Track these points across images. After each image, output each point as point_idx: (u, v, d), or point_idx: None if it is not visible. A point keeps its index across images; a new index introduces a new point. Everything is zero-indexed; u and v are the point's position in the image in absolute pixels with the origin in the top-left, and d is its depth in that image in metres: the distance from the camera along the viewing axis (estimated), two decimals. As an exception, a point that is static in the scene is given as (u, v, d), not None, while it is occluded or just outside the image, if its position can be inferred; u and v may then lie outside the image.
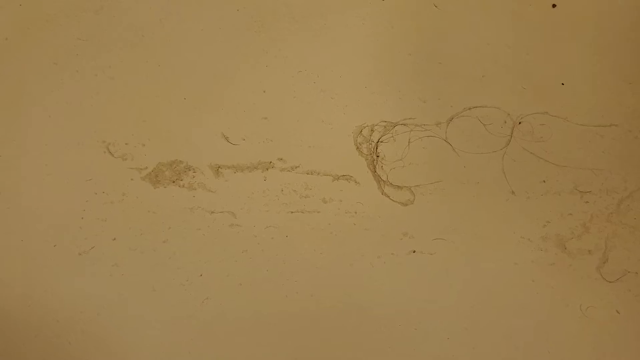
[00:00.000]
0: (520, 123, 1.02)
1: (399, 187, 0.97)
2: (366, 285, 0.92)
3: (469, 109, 1.02)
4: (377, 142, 0.99)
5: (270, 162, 0.96)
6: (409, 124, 1.00)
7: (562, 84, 1.04)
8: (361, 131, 1.00)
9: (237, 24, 1.03)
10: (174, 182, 0.94)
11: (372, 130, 1.00)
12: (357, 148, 0.99)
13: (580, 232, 0.97)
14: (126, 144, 0.96)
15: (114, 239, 0.91)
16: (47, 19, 1.04)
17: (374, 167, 0.98)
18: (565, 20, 1.07)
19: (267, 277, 0.92)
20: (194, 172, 0.95)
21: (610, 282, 0.94)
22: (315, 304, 0.91)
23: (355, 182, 0.97)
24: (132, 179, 0.94)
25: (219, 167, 0.96)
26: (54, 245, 0.90)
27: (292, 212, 0.94)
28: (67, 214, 0.92)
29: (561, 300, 0.94)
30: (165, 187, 0.94)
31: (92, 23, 1.04)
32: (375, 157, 0.99)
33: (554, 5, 1.09)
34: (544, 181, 0.99)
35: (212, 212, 0.93)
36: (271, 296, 0.91)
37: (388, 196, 0.97)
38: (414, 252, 0.94)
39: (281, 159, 0.97)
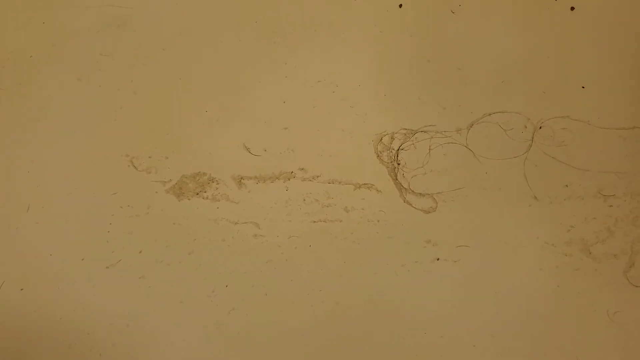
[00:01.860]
0: (541, 128, 1.01)
1: (420, 194, 0.97)
2: (391, 293, 0.92)
3: (489, 114, 1.01)
4: (398, 149, 1.00)
5: (292, 172, 0.97)
6: (430, 131, 1.00)
7: (583, 87, 1.04)
8: (381, 139, 1.00)
9: (256, 35, 1.04)
10: (197, 194, 0.95)
11: (393, 138, 1.00)
12: (378, 156, 0.99)
13: (605, 236, 0.96)
14: (150, 157, 0.97)
15: (140, 251, 0.93)
16: (70, 36, 1.06)
17: (395, 175, 0.98)
18: (584, 23, 1.07)
19: (292, 287, 0.92)
20: (217, 183, 0.96)
21: (637, 286, 0.93)
22: (341, 312, 0.91)
23: (377, 190, 0.97)
24: (156, 192, 0.96)
25: (241, 178, 0.96)
26: (82, 259, 0.92)
27: (314, 222, 0.95)
28: (93, 228, 0.94)
29: (588, 306, 0.93)
30: (189, 199, 0.95)
31: (114, 38, 1.05)
32: (396, 164, 0.99)
33: (572, 8, 1.08)
34: (567, 186, 0.98)
35: (235, 223, 0.94)
36: (297, 306, 0.92)
37: (410, 204, 0.97)
38: (438, 259, 0.94)
39: (302, 169, 0.97)
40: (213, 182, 0.96)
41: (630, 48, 1.06)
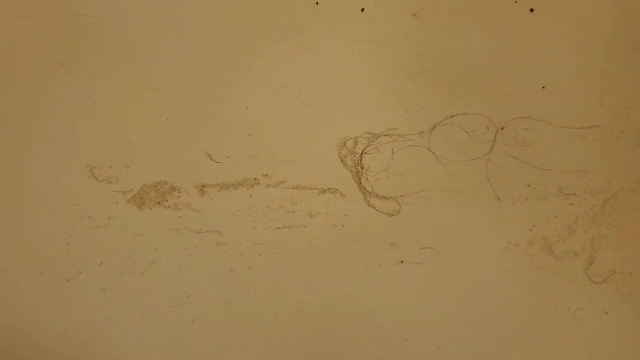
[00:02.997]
0: (502, 128, 1.02)
1: (384, 197, 0.98)
2: (355, 298, 0.92)
3: (451, 116, 1.02)
4: (361, 153, 1.00)
5: (255, 178, 0.97)
6: (392, 135, 1.01)
7: (543, 87, 1.05)
8: (345, 143, 1.00)
9: (218, 42, 1.04)
10: (159, 203, 0.94)
11: (356, 142, 1.00)
12: (342, 160, 0.99)
13: (566, 234, 0.97)
14: (110, 167, 0.96)
15: (101, 263, 0.91)
16: (28, 45, 1.04)
17: (359, 179, 0.98)
18: (544, 24, 1.08)
19: (256, 295, 0.91)
20: (179, 192, 0.95)
21: (597, 283, 0.95)
22: (306, 319, 0.91)
23: (341, 194, 0.97)
24: (117, 202, 0.94)
25: (203, 186, 0.96)
26: (41, 273, 0.90)
27: (278, 228, 0.94)
28: (53, 240, 0.92)
29: (550, 304, 0.94)
30: (150, 209, 0.94)
31: (73, 47, 1.04)
32: (360, 168, 0.99)
33: (531, 10, 1.09)
34: (529, 185, 0.99)
35: (198, 232, 0.93)
36: (261, 314, 0.91)
37: (374, 207, 0.97)
38: (402, 262, 0.94)
39: (266, 175, 0.97)
40: (175, 190, 0.95)
41: (588, 48, 1.07)
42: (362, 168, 0.99)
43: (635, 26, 1.07)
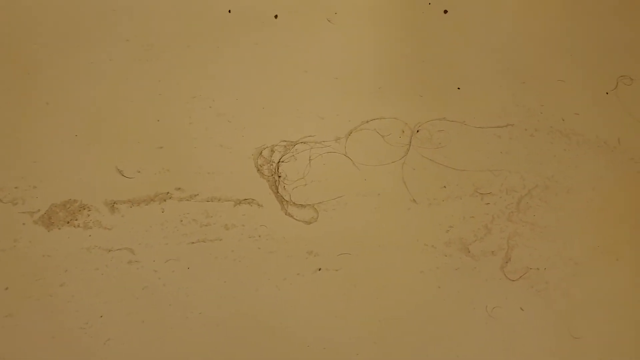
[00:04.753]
0: (418, 131, 1.03)
1: (302, 205, 0.97)
2: (273, 308, 0.91)
3: (367, 121, 1.02)
4: (278, 162, 0.99)
5: (168, 192, 0.95)
6: (309, 142, 1.00)
7: (458, 88, 1.06)
8: (261, 152, 0.99)
9: (128, 54, 1.01)
10: (68, 222, 0.92)
11: (273, 151, 0.99)
12: (258, 170, 0.98)
13: (482, 234, 0.98)
14: (16, 187, 0.93)
15: (7, 288, 0.88)
16: None
17: (277, 188, 0.97)
18: (458, 26, 1.09)
19: (170, 312, 0.90)
20: (89, 210, 0.93)
21: (513, 280, 0.96)
22: (223, 333, 0.90)
23: (258, 205, 0.96)
24: (23, 224, 0.91)
25: (114, 203, 0.93)
26: (-59, 302, 0.87)
27: (192, 243, 0.93)
28: (-46, 267, 0.88)
29: (468, 304, 0.95)
30: (59, 229, 0.91)
31: (-26, 64, 1.00)
32: (277, 177, 0.98)
33: (445, 11, 1.10)
34: (445, 187, 1.00)
35: (109, 250, 0.91)
36: (176, 331, 0.89)
37: (292, 216, 0.96)
38: (320, 270, 0.94)
39: (179, 189, 0.95)
40: (84, 209, 0.92)
41: (502, 48, 1.09)
42: (279, 177, 0.98)
43: (547, 26, 1.09)
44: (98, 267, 0.90)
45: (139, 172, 0.95)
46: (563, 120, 1.04)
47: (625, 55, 1.08)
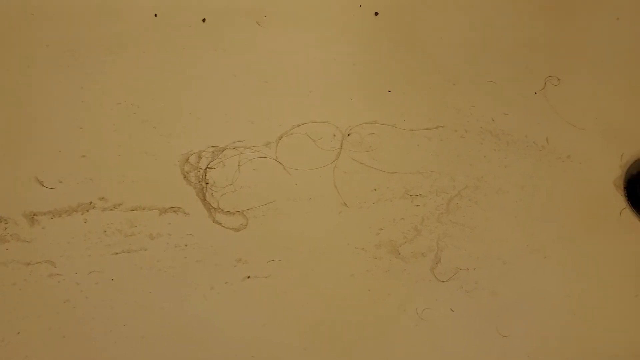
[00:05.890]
0: (349, 135, 1.02)
1: (231, 212, 0.96)
2: (200, 319, 0.90)
3: (298, 125, 1.01)
4: (206, 168, 0.97)
5: (91, 202, 0.92)
6: (238, 147, 0.99)
7: (389, 91, 1.06)
8: (188, 159, 0.97)
9: (48, 60, 0.98)
10: (-17, 236, 0.88)
11: (200, 157, 0.98)
12: (185, 177, 0.96)
13: (412, 235, 0.99)
14: None
15: None
16: None
17: (204, 195, 0.96)
18: (388, 28, 1.09)
19: (94, 326, 0.88)
20: (6, 222, 0.89)
21: (443, 281, 0.97)
22: (147, 346, 0.88)
23: (185, 213, 0.94)
24: None
25: (34, 215, 0.90)
26: None
27: (117, 253, 0.90)
28: None
29: (398, 307, 0.95)
30: (-26, 244, 0.88)
31: None
32: (204, 184, 0.96)
33: (376, 13, 1.10)
34: (375, 189, 1.00)
35: (28, 264, 0.88)
36: (99, 345, 0.87)
37: (220, 223, 0.95)
38: (248, 277, 0.93)
39: (102, 198, 0.93)
40: (1, 221, 0.89)
41: (432, 49, 1.09)
42: (207, 183, 0.96)
43: (477, 27, 1.10)
44: (15, 282, 0.87)
45: (61, 182, 0.92)
46: (493, 120, 1.06)
47: (552, 56, 1.09)
